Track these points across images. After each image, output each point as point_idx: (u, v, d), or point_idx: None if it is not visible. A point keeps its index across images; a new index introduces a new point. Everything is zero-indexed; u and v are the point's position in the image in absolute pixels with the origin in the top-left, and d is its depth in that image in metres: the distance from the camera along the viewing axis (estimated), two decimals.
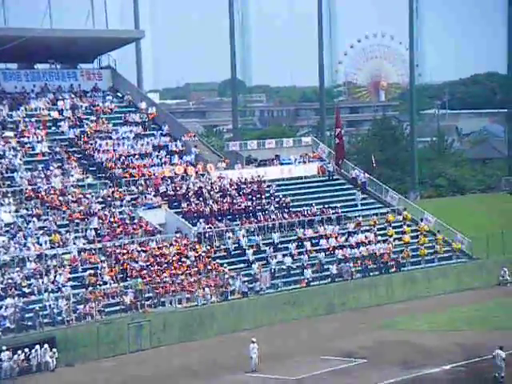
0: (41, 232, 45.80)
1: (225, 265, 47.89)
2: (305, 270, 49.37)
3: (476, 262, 55.63)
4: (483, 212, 69.80)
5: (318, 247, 51.90)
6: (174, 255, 47.39)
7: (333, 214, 54.88)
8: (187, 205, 51.73)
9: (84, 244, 46.13)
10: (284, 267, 49.28)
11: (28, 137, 53.03)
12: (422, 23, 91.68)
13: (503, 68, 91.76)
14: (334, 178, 59.97)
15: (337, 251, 51.66)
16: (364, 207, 57.44)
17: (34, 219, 46.58)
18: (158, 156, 55.61)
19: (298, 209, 54.71)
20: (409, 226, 56.83)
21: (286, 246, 51.08)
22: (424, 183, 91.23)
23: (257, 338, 38.49)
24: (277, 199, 55.27)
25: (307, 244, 51.64)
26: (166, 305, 44.51)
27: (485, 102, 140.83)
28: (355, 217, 55.30)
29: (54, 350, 38.94)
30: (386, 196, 59.54)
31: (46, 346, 38.72)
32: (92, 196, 49.99)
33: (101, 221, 48.08)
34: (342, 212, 55.47)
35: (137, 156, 54.80)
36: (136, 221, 49.21)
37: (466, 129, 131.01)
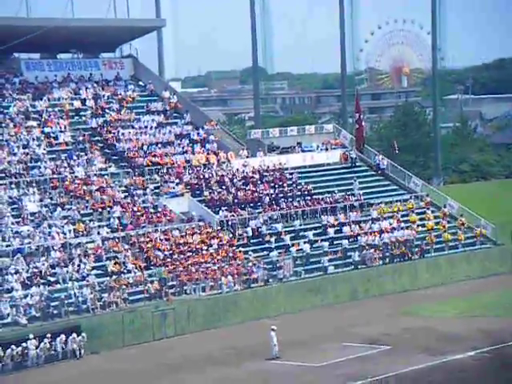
0: (65, 221, 46.12)
1: (249, 252, 47.95)
2: (325, 258, 49.30)
3: (500, 248, 55.34)
4: (507, 197, 69.34)
5: (340, 234, 51.85)
6: (198, 243, 47.54)
7: (355, 201, 54.76)
8: (209, 193, 51.85)
9: (107, 233, 46.38)
10: (306, 254, 49.27)
11: (51, 127, 53.32)
12: (444, 7, 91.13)
13: None
14: (357, 164, 59.81)
15: (359, 238, 51.58)
16: (387, 194, 57.29)
17: (58, 208, 46.90)
18: (180, 144, 55.74)
19: (321, 196, 54.67)
20: (432, 211, 56.61)
21: (307, 233, 51.06)
22: (447, 169, 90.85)
23: (280, 325, 38.59)
24: (299, 187, 55.25)
25: (330, 231, 51.59)
26: (190, 293, 44.69)
27: (508, 86, 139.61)
28: (378, 203, 55.16)
29: (84, 336, 39.19)
30: (409, 182, 59.33)
31: (73, 334, 39.02)
32: (115, 185, 50.23)
33: (124, 209, 48.32)
34: (364, 199, 55.35)
35: (159, 145, 54.95)
36: (159, 209, 49.39)
37: (489, 114, 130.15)
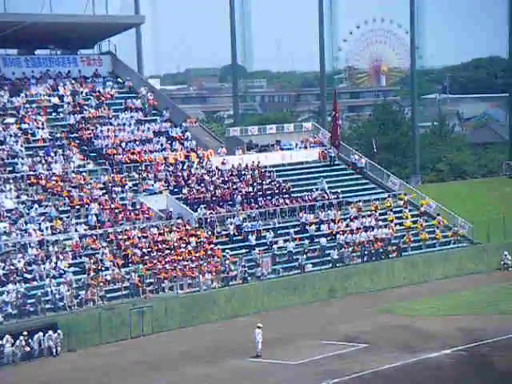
0: (42, 218, 45.86)
1: (226, 250, 47.95)
2: (304, 256, 49.35)
3: (477, 247, 55.70)
4: (484, 196, 69.82)
5: (319, 232, 51.94)
6: (176, 241, 47.45)
7: (334, 199, 54.89)
8: (188, 190, 51.76)
9: (85, 230, 46.18)
10: (285, 252, 49.32)
11: (28, 123, 52.99)
12: (422, 6, 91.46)
13: (505, 52, 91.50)
14: (335, 163, 59.95)
15: (338, 236, 51.69)
16: (365, 192, 57.47)
17: (36, 205, 46.63)
18: (158, 142, 55.59)
19: (299, 194, 54.73)
20: (410, 210, 56.85)
21: (286, 231, 51.12)
22: (425, 168, 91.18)
23: (258, 323, 38.58)
24: (278, 185, 55.28)
25: (308, 229, 51.66)
26: (168, 290, 44.59)
27: (486, 86, 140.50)
28: (356, 202, 55.32)
29: (60, 333, 38.98)
30: (387, 181, 59.55)
31: (50, 331, 38.80)
32: (93, 182, 50.01)
33: (102, 207, 48.12)
34: (342, 197, 55.48)
35: (137, 142, 54.77)
36: (137, 207, 49.24)
37: (467, 113, 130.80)
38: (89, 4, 57.81)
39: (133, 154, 53.42)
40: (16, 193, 47.28)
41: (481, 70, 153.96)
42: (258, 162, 56.58)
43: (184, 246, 47.34)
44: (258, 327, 37.42)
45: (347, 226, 52.96)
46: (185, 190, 51.73)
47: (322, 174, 58.13)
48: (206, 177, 53.52)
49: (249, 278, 47.08)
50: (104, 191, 49.74)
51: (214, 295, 45.15)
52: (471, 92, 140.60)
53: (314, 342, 39.26)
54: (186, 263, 45.88)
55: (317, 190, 55.46)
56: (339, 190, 56.08)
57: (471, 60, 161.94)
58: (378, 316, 43.94)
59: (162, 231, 47.89)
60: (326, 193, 55.34)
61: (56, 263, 43.20)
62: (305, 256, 49.44)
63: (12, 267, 42.02)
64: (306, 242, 50.44)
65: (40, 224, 45.32)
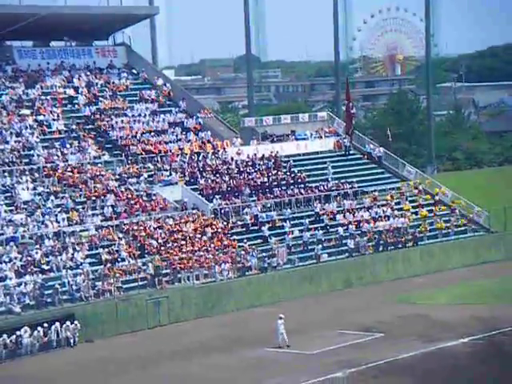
0: (58, 209, 46.04)
1: (245, 240, 47.95)
2: (319, 246, 49.33)
3: (493, 236, 55.48)
4: (500, 185, 69.47)
5: (334, 222, 51.87)
6: (191, 231, 47.52)
7: (349, 188, 54.79)
8: (204, 181, 51.79)
9: (101, 221, 46.33)
10: (300, 242, 49.29)
11: (44, 115, 53.16)
12: None
13: None
14: (351, 152, 59.80)
15: (353, 226, 51.58)
16: (380, 182, 57.32)
17: (52, 197, 46.82)
18: (173, 133, 55.63)
19: (315, 184, 54.66)
20: (425, 199, 56.67)
21: (302, 221, 51.07)
22: (441, 157, 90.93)
23: (274, 313, 38.63)
24: (293, 175, 55.22)
25: (324, 219, 51.61)
26: (184, 281, 44.70)
27: (501, 74, 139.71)
28: (372, 191, 55.20)
29: (77, 324, 39.18)
30: (402, 170, 59.37)
31: (67, 322, 39.01)
32: (108, 173, 50.13)
33: (117, 198, 48.25)
34: (358, 187, 55.37)
35: (153, 133, 54.84)
36: (153, 198, 49.34)
37: (482, 101, 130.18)
38: None
39: (148, 145, 53.50)
40: (32, 184, 47.48)
41: (496, 58, 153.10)
42: (275, 153, 56.50)
43: (199, 236, 47.42)
44: (280, 318, 37.30)
45: (363, 215, 52.84)
46: (200, 181, 51.77)
47: (337, 164, 58.04)
48: (221, 167, 53.52)
49: (265, 268, 47.07)
50: (120, 182, 49.86)
51: (230, 285, 45.21)
52: (487, 80, 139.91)
53: (330, 332, 39.24)
54: (201, 254, 45.95)
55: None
56: (354, 180, 55.96)
57: (486, 48, 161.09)
58: (394, 305, 43.86)
59: (177, 222, 47.98)
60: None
61: (73, 254, 43.38)
62: (320, 246, 49.40)
63: (29, 258, 42.25)
64: (321, 231, 50.38)
65: (56, 215, 45.50)
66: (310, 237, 49.73)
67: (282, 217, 50.93)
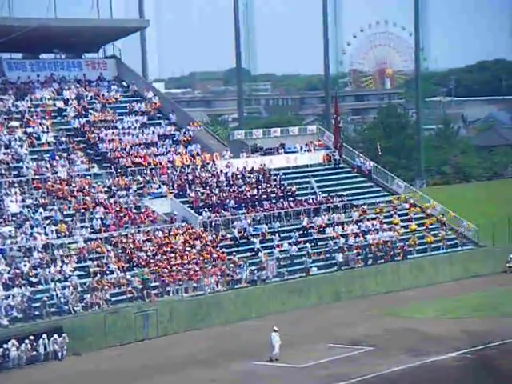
0: (47, 222, 45.88)
1: (234, 253, 47.88)
2: (309, 259, 49.28)
3: (482, 250, 55.59)
4: (489, 199, 69.75)
5: (323, 235, 51.87)
6: (180, 244, 47.43)
7: (339, 202, 54.83)
8: (193, 194, 51.74)
9: (90, 233, 46.18)
10: (289, 255, 49.25)
11: (33, 127, 53.06)
12: (426, 9, 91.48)
13: (510, 55, 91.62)
14: (340, 166, 59.90)
15: (343, 239, 51.61)
16: (370, 195, 57.41)
17: (40, 209, 46.65)
18: (163, 145, 55.60)
19: (304, 197, 54.68)
20: (415, 213, 56.76)
21: (291, 234, 51.07)
22: (430, 171, 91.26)
23: (263, 326, 38.54)
24: (282, 188, 55.24)
25: (313, 232, 51.61)
26: (173, 294, 44.56)
27: (491, 89, 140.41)
28: (361, 205, 55.27)
29: (65, 337, 38.93)
30: (391, 184, 59.50)
31: (55, 335, 38.80)
32: (98, 185, 50.02)
33: (107, 210, 48.13)
34: (347, 200, 55.43)
35: (142, 145, 54.80)
36: (142, 210, 49.24)
37: (471, 116, 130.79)
38: (93, 8, 57.96)
39: (137, 157, 53.44)
40: (21, 196, 47.32)
41: (486, 73, 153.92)
42: (263, 165, 56.55)
43: (189, 249, 47.33)
44: (275, 331, 37.20)
45: (352, 229, 52.86)
46: (190, 194, 51.72)
47: (326, 177, 58.10)
48: (211, 180, 53.50)
49: (255, 281, 46.98)
50: (109, 195, 49.75)
51: (219, 298, 45.10)
52: (476, 95, 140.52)
53: (319, 345, 39.18)
54: (190, 266, 45.86)
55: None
56: (344, 193, 56.02)
57: (476, 62, 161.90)
58: (383, 319, 43.84)
59: (166, 234, 47.89)
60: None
61: (61, 267, 43.20)
62: (310, 259, 49.36)
63: (17, 271, 42.03)
64: (310, 245, 50.35)
65: (45, 228, 45.34)
66: (299, 250, 49.69)
67: (271, 230, 50.89)
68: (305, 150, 59.99)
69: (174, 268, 45.34)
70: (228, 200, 51.94)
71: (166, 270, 44.99)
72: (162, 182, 51.94)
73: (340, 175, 59.18)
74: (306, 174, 57.45)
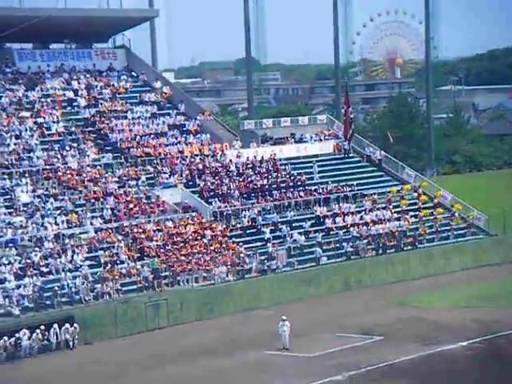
0: (58, 212, 46.03)
1: (241, 243, 47.97)
2: (319, 249, 49.29)
3: (493, 239, 55.46)
4: (500, 188, 69.50)
5: (334, 225, 51.83)
6: (191, 234, 47.51)
7: (349, 191, 54.79)
8: (203, 184, 51.79)
9: (101, 223, 46.32)
10: (299, 245, 49.28)
11: (44, 117, 53.16)
12: None
13: None
14: (350, 155, 59.82)
15: (353, 229, 51.59)
16: (380, 184, 57.33)
17: (51, 199, 46.80)
18: (173, 135, 55.64)
19: (314, 187, 54.66)
20: (425, 202, 56.67)
21: (301, 224, 51.07)
22: (440, 160, 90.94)
23: (273, 316, 38.61)
24: (292, 177, 55.22)
25: (323, 222, 51.58)
26: (183, 283, 44.68)
27: (501, 77, 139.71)
28: (371, 194, 55.20)
29: (77, 326, 39.12)
30: (402, 173, 59.39)
31: (67, 325, 38.99)
32: (108, 176, 50.13)
33: (117, 200, 48.25)
34: (357, 190, 55.38)
35: (152, 135, 54.85)
36: (152, 200, 49.34)
37: (482, 105, 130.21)
38: None
39: (148, 147, 53.50)
40: (32, 187, 47.47)
41: (496, 62, 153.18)
42: (273, 155, 56.53)
43: (199, 239, 47.41)
44: (283, 320, 37.27)
45: (362, 218, 52.84)
46: (200, 184, 51.78)
47: (336, 167, 58.05)
48: (221, 170, 53.53)
49: (265, 270, 47.04)
50: (119, 185, 49.85)
51: (229, 288, 45.20)
52: (486, 83, 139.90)
53: (329, 335, 39.24)
54: (200, 256, 45.95)
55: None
56: (354, 183, 55.96)
57: (486, 51, 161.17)
58: (393, 308, 43.85)
59: (176, 224, 47.98)
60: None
61: (72, 257, 43.37)
62: (320, 249, 49.37)
63: (28, 261, 42.23)
64: (321, 234, 50.36)
65: (56, 218, 45.49)
66: (309, 239, 49.67)
67: (281, 219, 50.91)
68: (315, 140, 59.92)
69: (184, 258, 45.44)
70: (238, 190, 51.97)
71: (176, 260, 45.10)
72: (172, 172, 51.99)
73: (350, 165, 59.10)
74: (318, 164, 57.34)
